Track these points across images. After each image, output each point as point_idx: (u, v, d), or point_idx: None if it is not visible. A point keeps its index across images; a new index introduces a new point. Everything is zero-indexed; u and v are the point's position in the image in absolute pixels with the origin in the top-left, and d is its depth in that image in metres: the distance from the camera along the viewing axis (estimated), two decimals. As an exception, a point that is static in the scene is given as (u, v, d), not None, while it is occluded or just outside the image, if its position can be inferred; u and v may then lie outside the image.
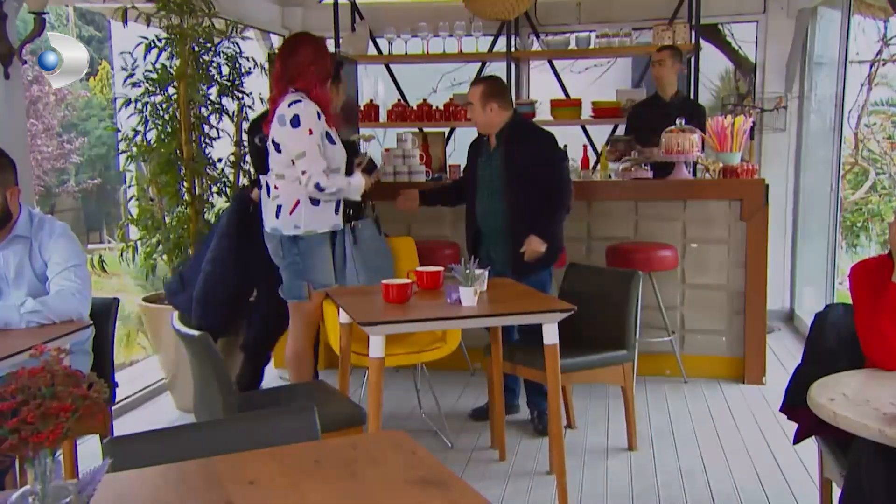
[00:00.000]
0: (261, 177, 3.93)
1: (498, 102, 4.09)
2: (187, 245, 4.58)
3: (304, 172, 3.63)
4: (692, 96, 5.96)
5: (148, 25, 4.55)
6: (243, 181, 4.83)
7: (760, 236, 4.85)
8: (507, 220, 4.12)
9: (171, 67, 4.50)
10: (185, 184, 4.57)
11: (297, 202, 3.73)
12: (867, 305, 2.45)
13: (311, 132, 3.63)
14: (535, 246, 4.04)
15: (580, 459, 3.85)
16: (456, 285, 3.25)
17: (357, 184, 3.80)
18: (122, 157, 4.76)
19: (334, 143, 3.76)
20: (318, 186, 3.63)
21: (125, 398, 4.61)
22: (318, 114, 3.67)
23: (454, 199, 4.51)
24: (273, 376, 5.23)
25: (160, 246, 4.61)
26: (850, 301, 2.60)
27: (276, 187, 3.77)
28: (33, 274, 2.98)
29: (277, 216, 3.76)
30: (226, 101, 4.71)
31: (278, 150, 3.71)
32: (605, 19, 6.48)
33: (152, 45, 4.48)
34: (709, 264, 5.00)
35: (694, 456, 3.89)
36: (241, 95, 4.73)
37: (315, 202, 3.75)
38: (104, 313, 3.22)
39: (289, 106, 3.65)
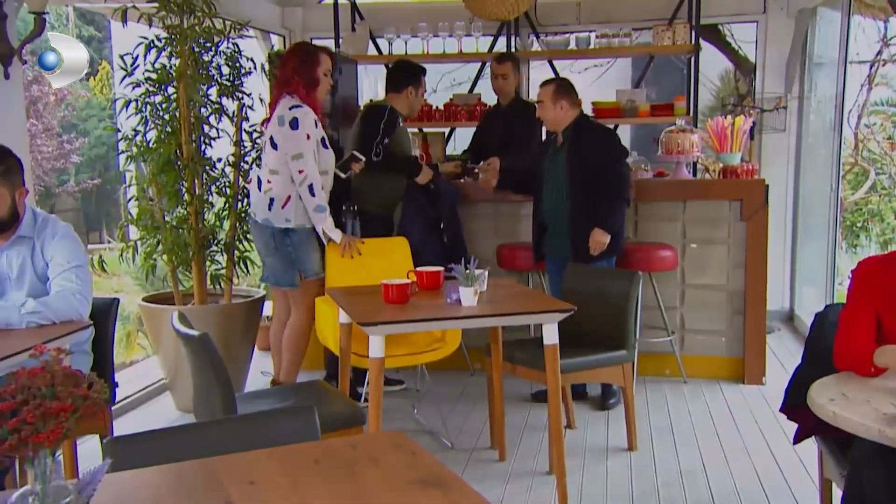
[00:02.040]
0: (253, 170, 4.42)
1: (567, 101, 4.37)
2: (187, 245, 4.58)
3: (300, 171, 4.00)
4: (692, 97, 5.97)
5: (150, 26, 4.54)
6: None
7: (760, 236, 4.85)
8: (570, 215, 4.35)
9: (170, 67, 4.50)
10: (184, 184, 4.56)
11: (289, 197, 4.09)
12: (854, 309, 2.48)
13: (308, 137, 4.02)
14: (598, 237, 4.29)
15: (580, 459, 3.84)
16: (456, 285, 3.25)
17: (329, 225, 4.11)
18: (122, 158, 4.75)
19: (326, 148, 4.14)
20: (311, 189, 4.00)
21: (125, 398, 4.61)
22: (316, 122, 4.08)
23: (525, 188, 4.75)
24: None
25: (160, 246, 4.61)
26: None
27: (268, 181, 4.12)
28: (34, 274, 2.99)
29: (270, 209, 4.10)
30: (226, 101, 4.71)
31: (275, 148, 4.07)
32: (605, 19, 6.48)
33: (152, 45, 4.47)
34: (709, 264, 5.00)
35: (694, 456, 3.89)
36: (241, 96, 4.72)
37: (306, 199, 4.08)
38: (104, 313, 3.22)
39: (289, 109, 4.02)
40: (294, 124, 3.99)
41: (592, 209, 4.31)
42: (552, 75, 6.98)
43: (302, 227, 4.11)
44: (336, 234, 4.16)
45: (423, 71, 4.82)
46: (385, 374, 4.53)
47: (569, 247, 4.37)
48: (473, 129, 5.94)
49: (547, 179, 4.47)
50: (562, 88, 4.39)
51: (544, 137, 4.80)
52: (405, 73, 4.74)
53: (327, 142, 4.17)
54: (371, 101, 5.22)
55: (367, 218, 4.66)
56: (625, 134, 9.33)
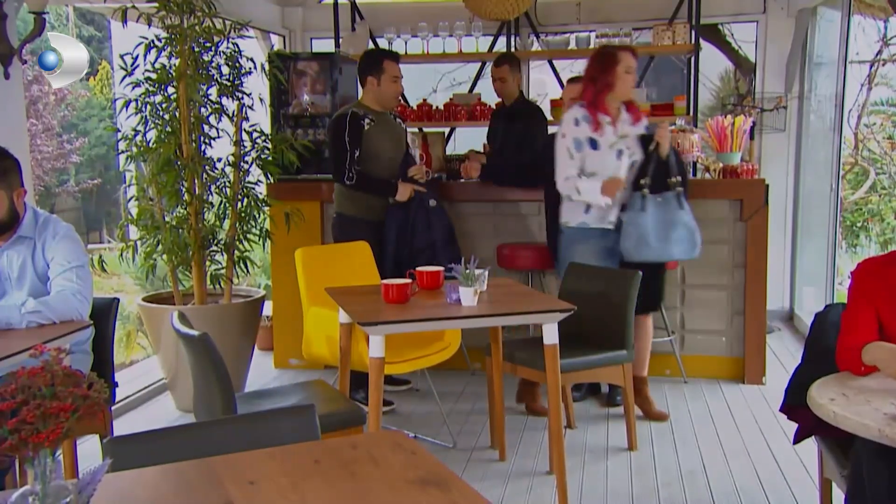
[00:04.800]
0: None
1: None
2: (187, 245, 4.58)
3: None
4: (692, 97, 5.97)
5: (150, 26, 4.54)
6: None
7: (760, 236, 4.84)
8: None
9: (170, 67, 4.50)
10: (184, 184, 4.56)
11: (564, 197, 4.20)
12: (854, 310, 2.48)
13: (563, 136, 4.15)
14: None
15: (580, 459, 3.85)
16: (456, 285, 3.25)
17: (587, 188, 4.06)
18: (122, 157, 4.75)
19: (597, 150, 4.09)
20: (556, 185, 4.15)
21: (125, 398, 4.61)
22: (577, 120, 4.11)
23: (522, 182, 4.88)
24: (274, 375, 5.23)
25: (160, 246, 4.61)
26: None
27: None
28: (35, 274, 2.99)
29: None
30: (225, 101, 4.70)
31: None
32: (605, 19, 6.48)
33: (152, 45, 4.47)
34: (709, 264, 4.99)
35: (694, 456, 3.89)
36: (240, 95, 4.72)
37: (569, 197, 4.20)
38: (104, 313, 3.22)
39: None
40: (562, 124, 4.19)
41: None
42: (552, 75, 7.01)
43: (565, 226, 4.23)
44: (589, 186, 4.06)
45: (388, 55, 4.55)
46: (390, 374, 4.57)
47: None
48: (473, 129, 5.95)
49: None
50: None
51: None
52: (364, 65, 4.51)
53: (599, 143, 4.09)
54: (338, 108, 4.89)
55: (353, 223, 4.50)
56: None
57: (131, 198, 4.83)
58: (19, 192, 2.95)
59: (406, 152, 4.67)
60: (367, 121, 4.40)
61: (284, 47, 6.83)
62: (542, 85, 7.76)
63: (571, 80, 4.56)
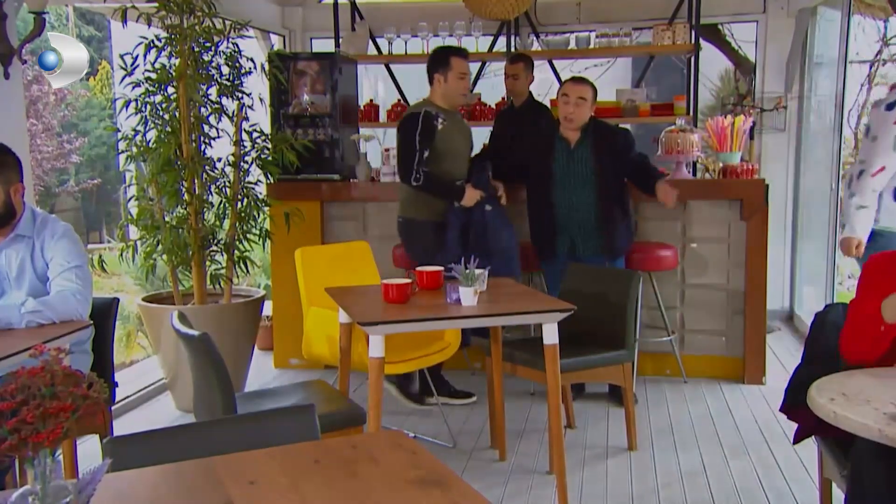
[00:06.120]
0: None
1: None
2: (187, 245, 4.58)
3: None
4: (692, 96, 5.97)
5: (149, 26, 4.55)
6: None
7: (760, 236, 4.84)
8: (600, 209, 4.40)
9: (170, 67, 4.50)
10: (184, 184, 4.56)
11: None
12: (861, 303, 2.47)
13: None
14: (671, 188, 4.34)
15: (580, 459, 3.84)
16: (456, 285, 3.25)
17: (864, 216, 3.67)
18: (122, 157, 4.75)
19: None
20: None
21: (125, 398, 4.61)
22: None
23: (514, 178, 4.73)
24: (274, 375, 5.23)
25: (160, 246, 4.61)
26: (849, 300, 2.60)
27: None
28: (34, 273, 2.99)
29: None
30: (225, 101, 4.70)
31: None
32: (605, 19, 6.48)
33: (152, 44, 4.48)
34: (709, 264, 5.00)
35: (694, 456, 3.89)
36: (240, 95, 4.72)
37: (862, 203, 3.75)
38: (104, 313, 3.22)
39: None
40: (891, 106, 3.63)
41: (622, 203, 4.44)
42: (552, 74, 7.00)
43: (886, 230, 3.72)
44: None
45: (455, 51, 4.45)
46: (454, 386, 4.64)
47: (603, 245, 4.41)
48: (473, 129, 5.89)
49: (562, 180, 4.42)
50: (595, 91, 4.46)
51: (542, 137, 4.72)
52: (431, 63, 4.43)
53: None
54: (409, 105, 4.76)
55: (419, 225, 4.39)
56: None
57: (131, 198, 4.83)
58: (17, 188, 2.94)
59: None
60: (440, 120, 4.30)
61: (284, 47, 6.82)
62: (544, 85, 7.74)
63: (577, 81, 4.44)
